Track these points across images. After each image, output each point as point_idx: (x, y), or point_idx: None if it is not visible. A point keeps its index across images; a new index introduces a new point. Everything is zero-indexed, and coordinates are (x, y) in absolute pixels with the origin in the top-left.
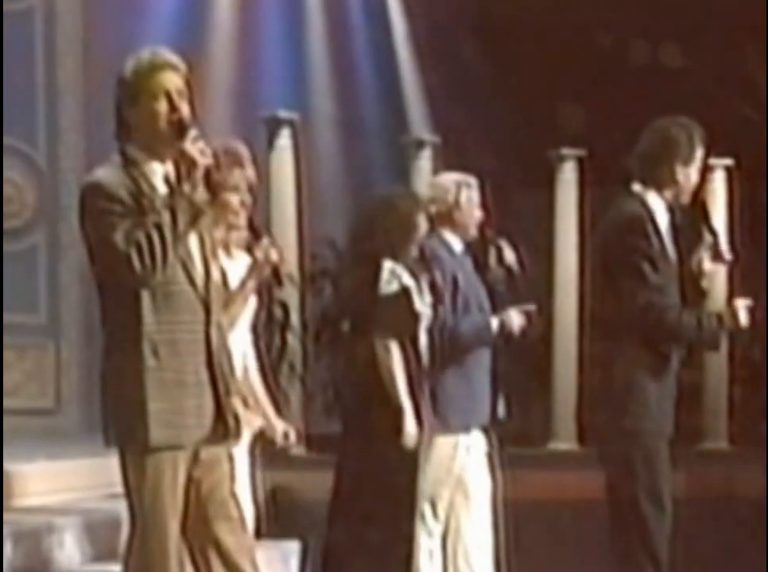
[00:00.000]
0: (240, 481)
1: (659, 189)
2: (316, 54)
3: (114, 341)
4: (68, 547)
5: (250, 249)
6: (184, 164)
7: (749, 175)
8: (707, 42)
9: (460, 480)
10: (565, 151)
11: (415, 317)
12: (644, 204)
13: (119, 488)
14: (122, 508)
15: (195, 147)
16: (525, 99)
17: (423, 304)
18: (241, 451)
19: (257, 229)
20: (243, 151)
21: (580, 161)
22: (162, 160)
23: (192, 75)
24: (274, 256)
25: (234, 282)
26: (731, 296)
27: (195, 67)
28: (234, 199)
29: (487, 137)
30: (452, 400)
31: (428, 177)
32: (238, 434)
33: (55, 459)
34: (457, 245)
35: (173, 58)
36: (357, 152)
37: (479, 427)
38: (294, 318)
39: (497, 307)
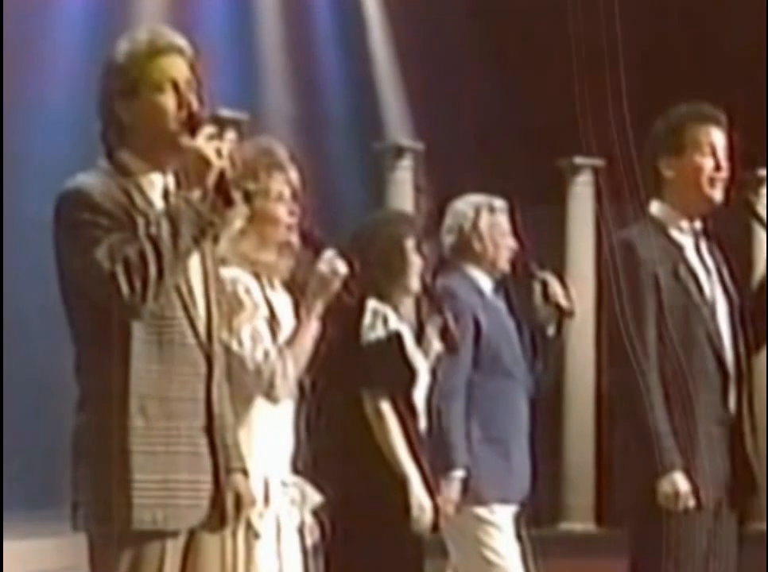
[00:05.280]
0: None
1: (663, 198)
2: (269, 44)
3: (91, 389)
4: None
5: (289, 286)
6: (195, 167)
7: None
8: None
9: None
10: (579, 160)
11: (409, 369)
12: (654, 220)
13: None
14: None
15: (210, 145)
16: (528, 102)
17: (425, 354)
18: (290, 539)
19: (317, 241)
20: (280, 151)
21: (596, 172)
22: (163, 169)
23: (199, 61)
24: (342, 268)
25: (284, 319)
26: None
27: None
28: (281, 211)
29: (481, 144)
30: (483, 468)
31: (408, 191)
32: (237, 519)
33: None
34: (485, 282)
35: (179, 39)
36: (320, 160)
37: (517, 501)
38: None
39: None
